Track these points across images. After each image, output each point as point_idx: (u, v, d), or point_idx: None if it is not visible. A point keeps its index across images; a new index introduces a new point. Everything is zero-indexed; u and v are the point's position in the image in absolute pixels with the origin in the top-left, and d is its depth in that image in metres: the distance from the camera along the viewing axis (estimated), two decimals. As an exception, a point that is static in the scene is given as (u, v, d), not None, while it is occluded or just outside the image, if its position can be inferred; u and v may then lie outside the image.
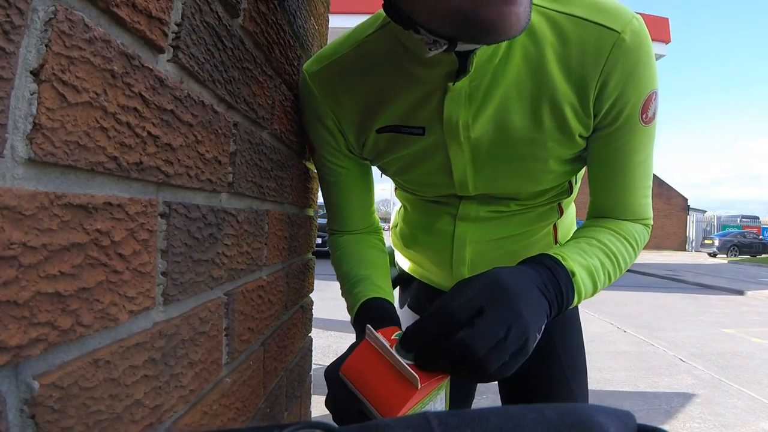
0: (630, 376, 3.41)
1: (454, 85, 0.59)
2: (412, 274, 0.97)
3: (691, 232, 26.04)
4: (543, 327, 0.51)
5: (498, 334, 0.46)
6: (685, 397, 3.05)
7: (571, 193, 0.80)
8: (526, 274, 0.53)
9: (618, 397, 3.02)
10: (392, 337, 0.55)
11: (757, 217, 33.05)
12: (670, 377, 3.47)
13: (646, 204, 0.69)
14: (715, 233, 23.47)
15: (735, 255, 20.06)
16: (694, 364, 3.80)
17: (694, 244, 24.62)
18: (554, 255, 0.57)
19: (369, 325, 0.50)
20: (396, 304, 0.73)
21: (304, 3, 0.84)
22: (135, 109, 0.35)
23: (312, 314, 1.06)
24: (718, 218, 30.78)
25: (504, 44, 0.57)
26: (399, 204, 0.95)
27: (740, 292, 8.56)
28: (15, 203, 0.25)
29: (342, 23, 5.45)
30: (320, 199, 0.91)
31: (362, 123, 0.69)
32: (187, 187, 0.44)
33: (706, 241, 21.08)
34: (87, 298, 0.31)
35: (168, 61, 0.40)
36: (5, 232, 0.24)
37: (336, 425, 0.25)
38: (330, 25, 1.15)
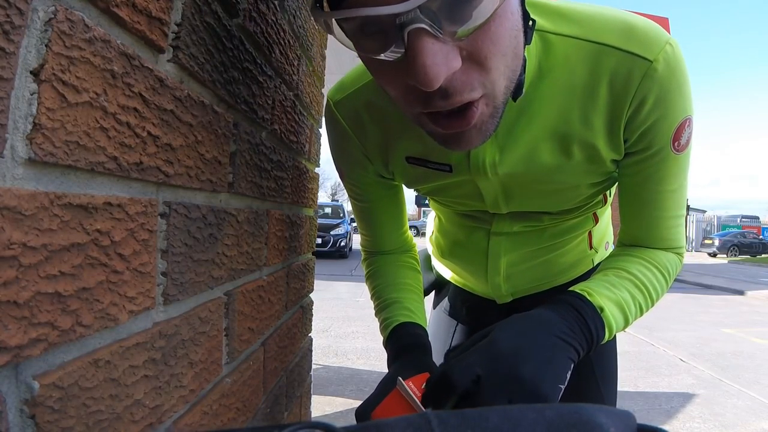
0: (630, 376, 3.40)
1: None
2: (450, 280, 0.97)
3: (691, 232, 25.99)
4: (569, 372, 0.51)
5: (499, 404, 0.46)
6: (685, 397, 3.05)
7: (606, 203, 0.78)
8: (540, 325, 0.52)
9: (618, 397, 3.01)
10: (422, 387, 0.57)
11: (757, 217, 33.08)
12: (670, 377, 3.47)
13: (678, 233, 0.67)
14: (715, 233, 23.47)
15: (735, 255, 20.04)
16: (694, 364, 3.80)
17: (694, 244, 24.60)
18: (580, 291, 0.57)
19: (400, 378, 0.52)
20: (428, 311, 0.73)
21: (304, 3, 0.84)
22: (135, 109, 0.35)
23: (312, 314, 1.06)
24: (718, 218, 30.79)
25: (528, 81, 0.55)
26: (433, 213, 0.95)
27: (740, 292, 8.56)
28: (15, 203, 0.25)
29: (342, 23, 5.43)
30: (320, 199, 0.91)
31: (388, 152, 0.69)
32: (187, 187, 0.44)
33: (706, 241, 21.06)
34: (87, 298, 0.31)
35: (168, 61, 0.40)
36: (5, 232, 0.24)
37: (336, 425, 0.25)
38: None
